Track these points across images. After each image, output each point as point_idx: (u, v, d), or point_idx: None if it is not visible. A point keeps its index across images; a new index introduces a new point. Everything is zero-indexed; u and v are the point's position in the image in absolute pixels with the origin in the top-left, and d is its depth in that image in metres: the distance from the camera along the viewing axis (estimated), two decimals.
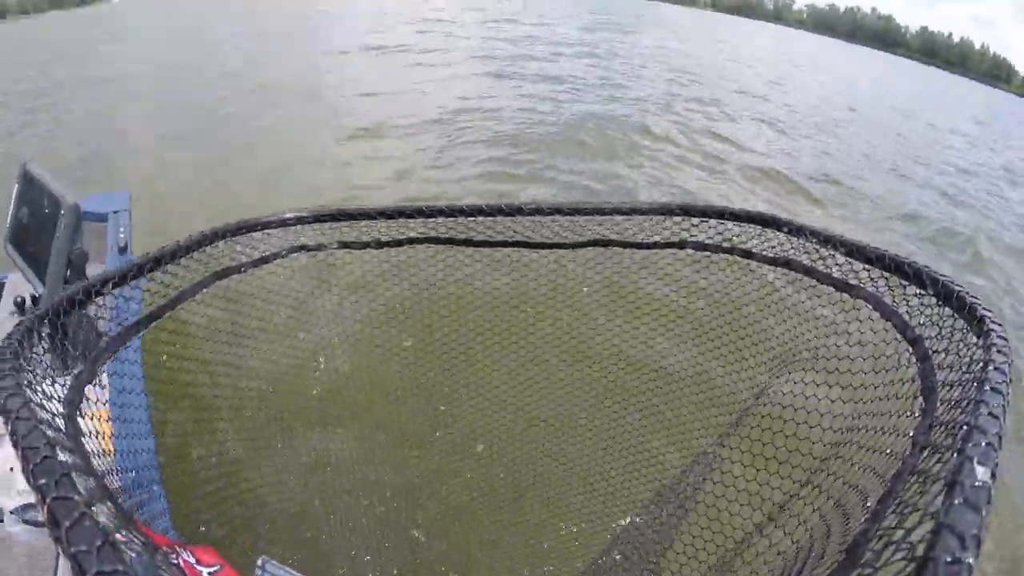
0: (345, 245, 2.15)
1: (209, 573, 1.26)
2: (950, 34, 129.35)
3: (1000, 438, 0.82)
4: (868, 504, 1.02)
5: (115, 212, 4.16)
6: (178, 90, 14.40)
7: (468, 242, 2.16)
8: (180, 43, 20.46)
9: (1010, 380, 0.97)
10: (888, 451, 1.15)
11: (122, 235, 3.90)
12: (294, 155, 10.06)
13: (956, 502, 0.71)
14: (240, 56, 18.24)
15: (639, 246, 2.06)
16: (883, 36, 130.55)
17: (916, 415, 1.16)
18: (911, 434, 1.10)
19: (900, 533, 0.80)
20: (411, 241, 2.17)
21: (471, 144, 11.33)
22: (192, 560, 1.24)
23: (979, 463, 0.76)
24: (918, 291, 1.38)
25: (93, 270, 3.46)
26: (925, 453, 0.98)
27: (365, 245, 2.17)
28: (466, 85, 15.99)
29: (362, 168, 9.71)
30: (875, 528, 0.90)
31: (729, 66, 28.08)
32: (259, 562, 1.42)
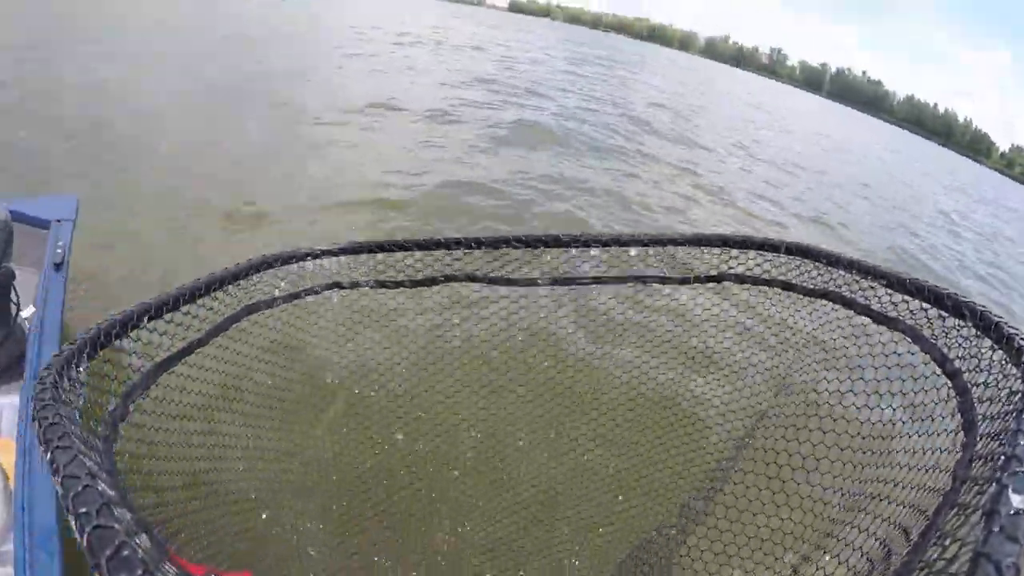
0: (380, 284, 2.14)
1: None
2: (935, 104, 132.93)
3: None
4: (911, 539, 1.03)
5: (58, 221, 3.99)
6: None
7: (506, 280, 2.16)
8: None
9: None
10: (930, 486, 1.14)
11: (59, 250, 3.69)
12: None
13: (993, 530, 0.71)
14: None
15: (677, 281, 2.06)
16: (872, 101, 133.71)
17: (957, 449, 1.16)
18: (952, 468, 1.10)
19: (941, 564, 0.80)
20: (447, 279, 2.16)
21: None
22: None
23: (1015, 491, 0.77)
24: (957, 323, 1.38)
25: (27, 279, 3.52)
26: (965, 486, 0.98)
27: (399, 284, 2.16)
28: None
29: None
30: (916, 560, 0.90)
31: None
32: None
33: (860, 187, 21.66)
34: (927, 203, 22.88)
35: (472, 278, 2.16)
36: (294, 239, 7.13)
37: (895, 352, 1.56)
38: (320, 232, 7.45)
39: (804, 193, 17.04)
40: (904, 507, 1.20)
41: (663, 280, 2.08)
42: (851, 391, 1.75)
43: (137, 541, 0.78)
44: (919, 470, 1.23)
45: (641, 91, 29.46)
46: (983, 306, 1.33)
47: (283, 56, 19.80)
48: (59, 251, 3.69)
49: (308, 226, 7.64)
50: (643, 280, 2.10)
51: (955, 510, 0.92)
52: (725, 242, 1.97)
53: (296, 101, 14.14)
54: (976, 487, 0.92)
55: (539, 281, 2.14)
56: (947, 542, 0.83)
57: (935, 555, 0.84)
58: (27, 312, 3.51)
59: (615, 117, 20.00)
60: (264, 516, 2.04)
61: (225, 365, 1.87)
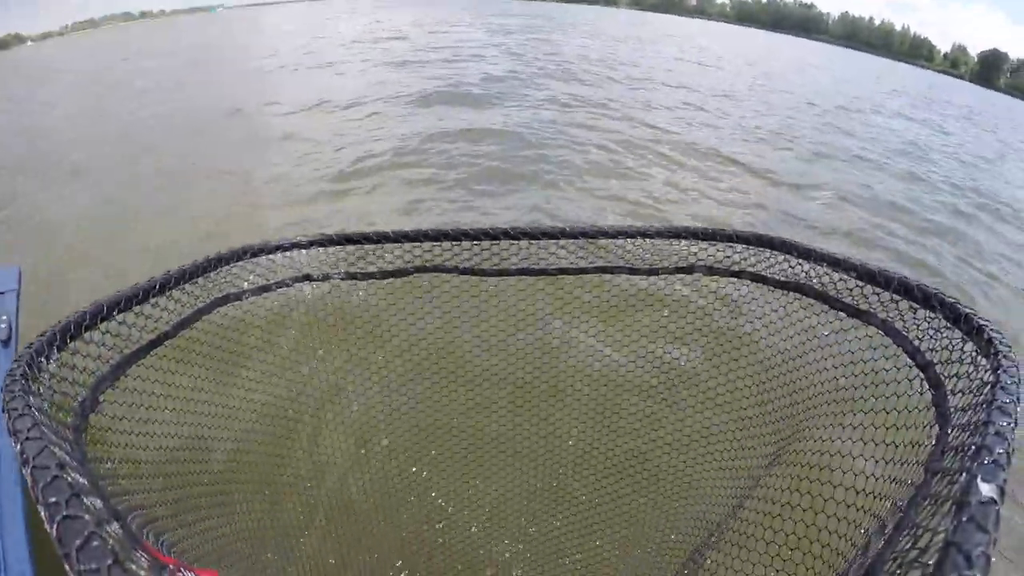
0: (351, 276, 2.13)
1: None
2: (871, 18, 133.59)
3: (1008, 456, 0.85)
4: (885, 532, 1.04)
5: (0, 293, 3.62)
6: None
7: (475, 271, 2.15)
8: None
9: (1019, 400, 1.01)
10: (904, 479, 1.17)
11: (3, 324, 3.35)
12: None
13: (963, 520, 0.74)
14: None
15: (647, 272, 2.06)
16: (805, 23, 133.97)
17: (931, 441, 1.19)
18: (925, 461, 1.13)
19: (913, 554, 0.82)
20: (417, 270, 2.15)
21: None
22: None
23: (984, 480, 0.79)
24: (928, 314, 1.41)
25: None
26: (937, 478, 1.00)
27: (370, 275, 2.15)
28: None
29: None
30: (889, 552, 0.92)
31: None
32: None
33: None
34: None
35: (442, 269, 2.15)
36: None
37: (871, 346, 1.58)
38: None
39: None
40: (881, 500, 1.24)
41: (632, 271, 2.08)
42: (824, 385, 1.79)
43: (108, 530, 0.81)
44: (895, 463, 1.25)
45: (574, 50, 28.73)
46: (953, 298, 1.37)
47: None
48: (3, 326, 3.39)
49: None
50: (611, 271, 2.10)
51: (927, 501, 0.95)
52: (694, 234, 1.97)
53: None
54: (948, 478, 0.94)
55: (509, 271, 2.14)
56: (919, 532, 0.86)
57: (907, 545, 0.87)
58: None
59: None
60: (241, 511, 2.03)
61: (199, 357, 1.88)
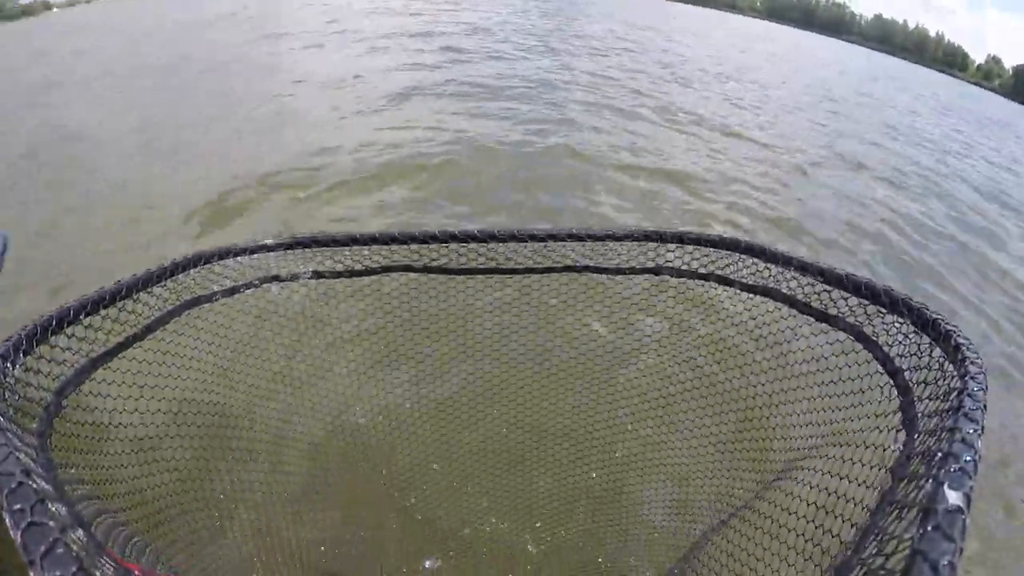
0: (319, 275, 2.12)
1: None
2: (904, 21, 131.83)
3: (975, 464, 0.83)
4: (852, 538, 1.03)
5: None
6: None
7: (443, 270, 2.13)
8: None
9: (984, 407, 0.99)
10: (870, 484, 1.15)
11: None
12: None
13: (929, 528, 0.72)
14: None
15: (613, 271, 2.04)
16: (837, 24, 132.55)
17: (898, 446, 1.17)
18: (892, 466, 1.11)
19: (879, 561, 0.81)
20: (384, 270, 2.14)
21: None
22: None
23: (951, 488, 0.77)
24: (897, 319, 1.38)
25: None
26: (903, 484, 0.99)
27: (338, 275, 2.14)
28: None
29: None
30: (855, 559, 0.91)
31: None
32: None
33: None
34: None
35: (410, 268, 2.14)
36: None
37: (841, 352, 1.57)
38: None
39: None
40: (845, 502, 1.22)
41: (599, 270, 2.06)
42: (789, 388, 1.77)
43: (73, 536, 0.81)
44: (862, 466, 1.24)
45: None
46: (921, 303, 1.34)
47: None
48: None
49: None
50: (578, 270, 2.08)
51: (894, 507, 0.93)
52: (661, 237, 1.94)
53: None
54: (914, 484, 0.93)
55: (478, 269, 2.12)
56: (885, 539, 0.85)
57: (873, 551, 0.86)
58: None
59: None
60: (206, 511, 2.05)
61: (172, 358, 1.88)
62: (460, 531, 3.06)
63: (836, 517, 1.22)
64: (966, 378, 1.09)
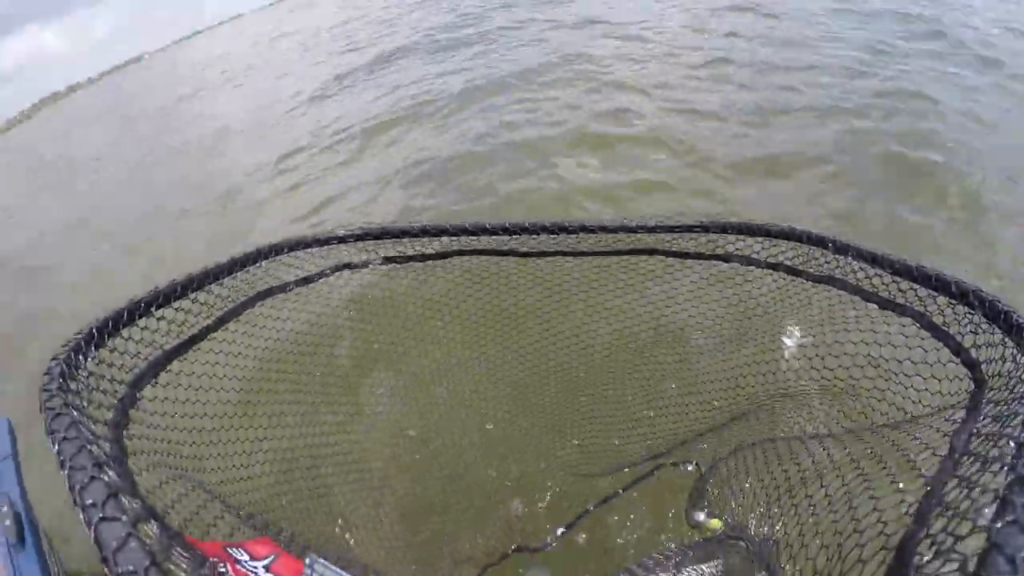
0: (390, 260, 2.15)
1: (264, 566, 1.27)
2: None
3: None
4: (907, 502, 1.05)
5: None
6: None
7: (513, 252, 2.18)
8: None
9: None
10: (925, 452, 1.17)
11: (7, 520, 2.15)
12: None
13: (1008, 520, 0.73)
14: None
15: (684, 255, 2.08)
16: None
17: (955, 421, 1.20)
18: (949, 437, 1.14)
19: (949, 541, 0.83)
20: (456, 253, 2.18)
21: None
22: (245, 557, 1.25)
23: None
24: (966, 309, 1.40)
25: None
26: (966, 460, 1.01)
27: (409, 259, 2.17)
28: None
29: None
30: (923, 531, 0.92)
31: None
32: (307, 561, 1.44)
33: None
34: None
35: (481, 251, 2.18)
36: None
37: (902, 332, 1.58)
38: None
39: None
40: (897, 468, 1.25)
41: (667, 253, 2.10)
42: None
43: (145, 529, 0.81)
44: (921, 444, 1.24)
45: None
46: (992, 294, 1.35)
47: None
48: (7, 521, 2.20)
49: None
50: (649, 252, 2.12)
51: (957, 482, 0.95)
52: (728, 228, 1.96)
53: None
54: (979, 464, 0.95)
55: (546, 252, 2.17)
56: (953, 517, 0.87)
57: (941, 527, 0.88)
58: None
59: None
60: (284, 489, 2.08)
61: (248, 350, 1.88)
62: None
63: (892, 482, 1.23)
64: None
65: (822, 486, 1.49)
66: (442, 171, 8.02)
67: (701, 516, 2.24)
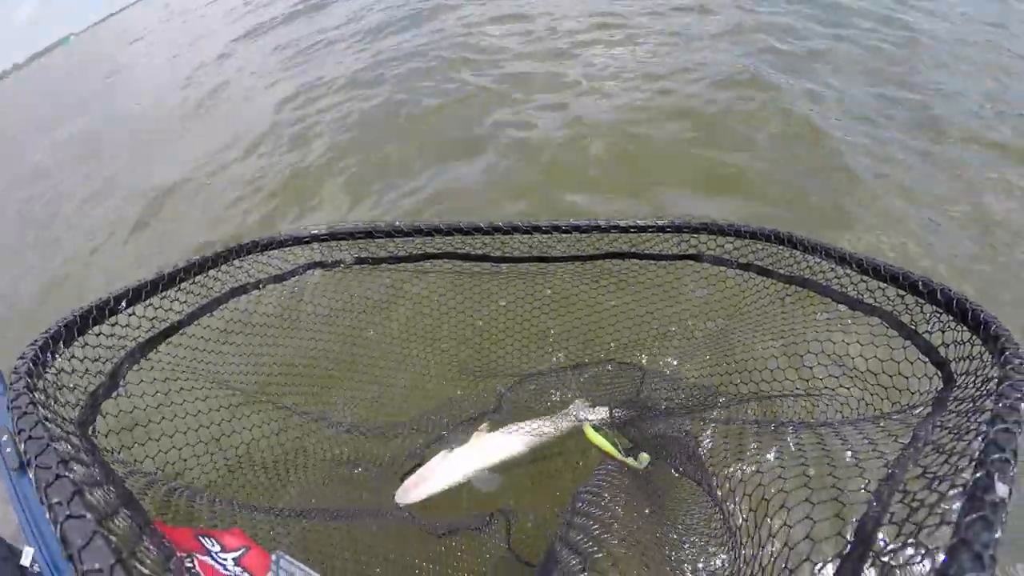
0: (361, 260, 2.15)
1: (234, 559, 1.27)
2: None
3: (1016, 454, 0.83)
4: (865, 485, 1.06)
5: None
6: None
7: (485, 257, 2.17)
8: None
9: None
10: (891, 443, 1.17)
11: (7, 448, 2.08)
12: None
13: (975, 516, 0.73)
14: None
15: (654, 257, 2.09)
16: None
17: (919, 410, 1.23)
18: (912, 425, 1.15)
19: (910, 528, 0.83)
20: (428, 256, 2.18)
21: None
22: (216, 547, 1.25)
23: (1000, 480, 0.78)
24: (935, 308, 1.40)
25: None
26: (928, 449, 1.02)
27: (381, 260, 2.17)
28: None
29: None
30: (885, 515, 0.93)
31: None
32: (273, 557, 1.42)
33: None
34: None
35: (454, 256, 2.18)
36: None
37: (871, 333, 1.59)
38: None
39: None
40: (854, 450, 1.25)
41: (641, 256, 2.11)
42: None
43: (115, 523, 0.82)
44: (886, 433, 1.25)
45: None
46: (959, 293, 1.35)
47: None
48: (7, 449, 2.47)
49: None
50: (622, 256, 2.13)
51: (921, 471, 0.95)
52: (703, 229, 1.97)
53: None
54: (944, 456, 0.95)
55: (521, 257, 2.17)
56: (916, 505, 0.87)
57: (904, 517, 0.88)
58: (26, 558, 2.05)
59: None
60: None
61: (215, 344, 1.91)
62: None
63: (856, 465, 1.20)
64: (1007, 367, 1.09)
65: (779, 457, 1.50)
66: None
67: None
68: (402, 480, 2.39)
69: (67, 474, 0.78)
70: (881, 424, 1.33)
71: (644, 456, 2.18)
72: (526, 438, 2.45)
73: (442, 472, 2.38)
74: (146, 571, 0.81)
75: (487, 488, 2.42)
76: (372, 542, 2.13)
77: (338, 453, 2.42)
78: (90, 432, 1.26)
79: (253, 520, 1.79)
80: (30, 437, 0.85)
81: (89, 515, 0.71)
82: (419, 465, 2.44)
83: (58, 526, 0.69)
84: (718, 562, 1.77)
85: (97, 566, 0.65)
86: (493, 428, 2.51)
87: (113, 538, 0.71)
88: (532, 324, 2.66)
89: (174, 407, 1.75)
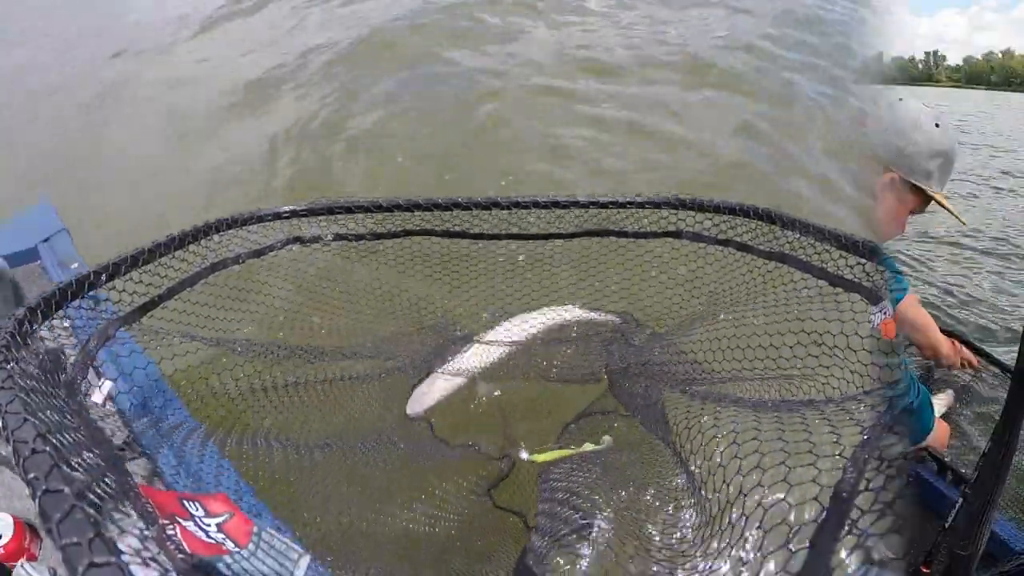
0: (341, 237, 2.16)
1: (216, 524, 1.28)
2: None
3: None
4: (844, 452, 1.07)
5: (45, 240, 2.98)
6: None
7: (464, 234, 2.18)
8: None
9: None
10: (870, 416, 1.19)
11: (75, 265, 2.75)
12: None
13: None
14: None
15: (634, 235, 2.08)
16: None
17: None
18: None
19: (888, 497, 0.86)
20: (407, 233, 2.18)
21: None
22: (200, 512, 1.26)
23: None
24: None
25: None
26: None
27: (360, 236, 2.18)
28: None
29: None
30: (862, 482, 0.96)
31: None
32: (255, 529, 1.42)
33: None
34: None
35: (433, 232, 2.18)
36: None
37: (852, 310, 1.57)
38: None
39: None
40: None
41: (618, 234, 2.10)
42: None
43: (97, 490, 0.81)
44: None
45: None
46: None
47: None
48: (75, 265, 2.76)
49: None
50: (600, 234, 2.12)
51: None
52: (682, 204, 1.97)
53: None
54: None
55: (500, 235, 2.17)
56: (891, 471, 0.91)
57: (881, 484, 0.91)
58: (99, 395, 1.86)
59: None
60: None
61: (198, 319, 1.92)
62: None
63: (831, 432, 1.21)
64: None
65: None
66: None
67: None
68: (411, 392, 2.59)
69: (45, 448, 0.77)
70: (860, 400, 1.33)
71: (606, 438, 2.21)
72: (525, 331, 2.61)
73: (447, 378, 2.59)
74: (127, 542, 0.80)
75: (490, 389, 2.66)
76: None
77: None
78: (79, 387, 1.32)
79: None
80: (7, 412, 0.85)
81: (67, 489, 0.70)
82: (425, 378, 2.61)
83: (36, 500, 0.69)
84: (690, 522, 1.73)
85: (75, 539, 0.64)
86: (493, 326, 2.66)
87: (92, 511, 0.70)
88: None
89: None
